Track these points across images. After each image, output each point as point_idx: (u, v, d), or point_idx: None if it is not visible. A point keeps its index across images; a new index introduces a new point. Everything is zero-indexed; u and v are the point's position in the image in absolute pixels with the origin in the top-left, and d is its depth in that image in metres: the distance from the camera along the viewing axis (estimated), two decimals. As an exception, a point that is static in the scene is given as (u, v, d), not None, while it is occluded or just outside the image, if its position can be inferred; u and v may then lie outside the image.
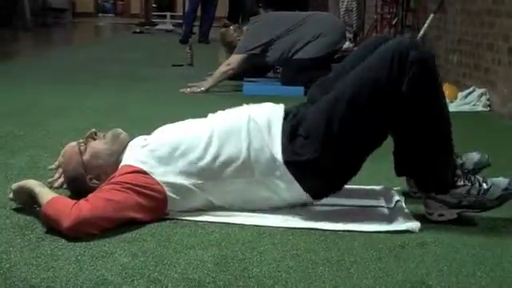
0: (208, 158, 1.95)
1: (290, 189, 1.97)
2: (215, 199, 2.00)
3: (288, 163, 1.94)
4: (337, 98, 1.93)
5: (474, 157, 2.29)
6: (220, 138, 1.97)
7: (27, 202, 1.96)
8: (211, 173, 1.95)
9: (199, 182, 1.95)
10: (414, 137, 1.95)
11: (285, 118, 2.02)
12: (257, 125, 1.99)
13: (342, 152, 1.94)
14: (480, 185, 1.98)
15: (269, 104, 2.12)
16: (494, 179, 2.00)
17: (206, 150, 1.96)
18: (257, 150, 1.95)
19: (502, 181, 1.99)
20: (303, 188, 1.96)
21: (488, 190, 1.97)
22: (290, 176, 1.94)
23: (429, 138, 1.94)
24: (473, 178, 2.00)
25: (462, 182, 1.98)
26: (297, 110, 2.07)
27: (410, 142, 1.96)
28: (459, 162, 2.20)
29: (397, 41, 1.97)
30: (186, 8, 9.52)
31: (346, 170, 1.99)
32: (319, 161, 1.92)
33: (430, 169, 1.98)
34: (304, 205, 2.08)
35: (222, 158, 1.95)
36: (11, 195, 2.00)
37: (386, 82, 1.88)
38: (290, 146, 1.95)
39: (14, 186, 1.99)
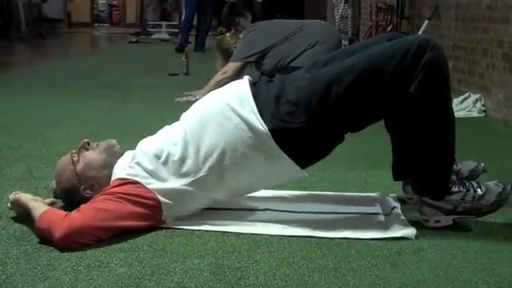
0: (190, 155, 1.94)
1: (279, 161, 1.93)
2: (212, 193, 1.99)
3: (274, 131, 1.91)
4: (341, 73, 1.90)
5: (471, 165, 2.29)
6: (195, 133, 1.96)
7: (22, 215, 1.97)
8: (197, 168, 1.94)
9: (189, 180, 1.94)
10: (417, 140, 1.94)
11: (254, 88, 1.99)
12: (227, 105, 1.96)
13: (329, 124, 1.92)
14: (475, 191, 1.98)
15: (232, 83, 2.11)
16: (489, 184, 2.01)
17: (184, 149, 1.95)
18: (234, 131, 1.93)
19: (496, 186, 1.99)
20: (291, 157, 1.93)
21: (483, 195, 1.97)
22: (276, 147, 1.91)
23: (432, 141, 1.94)
24: (467, 184, 2.00)
25: (456, 188, 1.99)
26: (268, 78, 2.05)
27: (412, 144, 1.96)
28: (455, 168, 2.20)
29: (416, 37, 1.96)
30: (182, 17, 9.54)
31: (328, 141, 1.97)
32: (306, 129, 1.90)
33: (428, 173, 1.98)
34: (299, 212, 2.09)
35: (203, 151, 1.94)
36: (9, 205, 2.01)
37: (392, 73, 1.86)
38: (275, 112, 1.92)
39: (11, 197, 1.99)
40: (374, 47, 1.96)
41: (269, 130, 1.91)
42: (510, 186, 1.99)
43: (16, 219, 2.00)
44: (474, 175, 2.25)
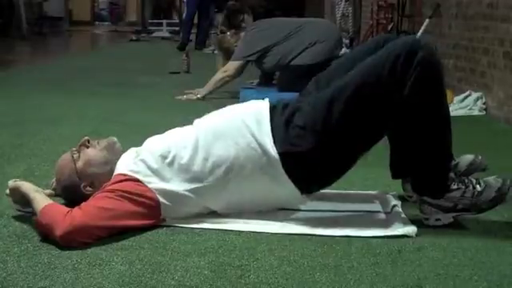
0: (197, 162, 1.95)
1: (283, 186, 1.95)
2: (210, 203, 2.00)
3: (283, 155, 1.92)
4: (339, 91, 1.91)
5: (468, 158, 2.29)
6: (207, 142, 1.97)
7: (20, 202, 1.97)
8: (202, 176, 1.95)
9: (191, 187, 1.95)
10: (413, 139, 1.95)
11: (272, 112, 2.01)
12: (244, 123, 1.98)
13: (337, 145, 1.93)
14: (474, 187, 1.98)
15: (253, 101, 2.12)
16: (487, 179, 2.01)
17: (193, 155, 1.96)
18: (246, 149, 1.94)
19: (495, 181, 1.99)
20: (295, 183, 1.95)
21: (482, 191, 1.97)
22: (282, 172, 1.93)
23: (428, 141, 1.94)
24: (466, 181, 2.00)
25: (455, 186, 1.99)
26: (286, 102, 2.06)
27: (408, 143, 1.96)
28: (453, 162, 2.20)
29: (407, 39, 1.97)
30: (184, 15, 9.54)
31: (339, 165, 1.98)
32: (315, 152, 1.91)
33: (426, 172, 1.99)
34: (300, 210, 2.09)
35: (211, 161, 1.95)
36: (8, 191, 2.00)
37: (387, 80, 1.87)
38: (285, 136, 1.94)
39: (11, 183, 1.99)
40: (367, 59, 1.95)
41: (279, 154, 1.92)
42: (509, 181, 1.99)
43: (17, 217, 2.00)
44: (472, 168, 2.25)
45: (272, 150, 1.93)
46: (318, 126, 1.91)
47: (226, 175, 1.95)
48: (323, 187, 2.04)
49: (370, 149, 1.98)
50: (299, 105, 2.01)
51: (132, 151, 2.08)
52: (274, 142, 1.94)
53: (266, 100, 2.10)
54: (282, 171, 1.94)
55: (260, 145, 1.94)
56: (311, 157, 1.92)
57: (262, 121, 1.98)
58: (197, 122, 2.11)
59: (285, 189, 1.97)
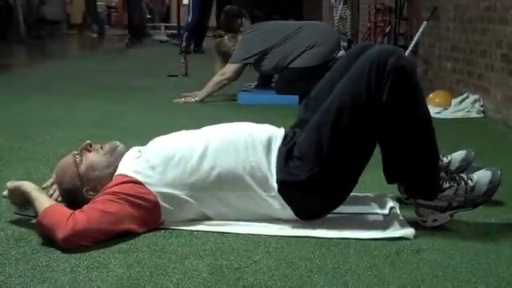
0: (203, 169, 1.95)
1: (283, 210, 1.98)
2: (209, 211, 2.00)
3: (282, 183, 1.95)
4: (324, 115, 1.94)
5: (461, 154, 2.29)
6: (216, 151, 1.97)
7: (19, 202, 1.97)
8: (205, 184, 1.95)
9: (193, 192, 1.96)
10: (398, 144, 1.96)
11: (283, 141, 2.03)
12: (256, 142, 1.99)
13: (334, 169, 1.94)
14: (466, 183, 1.99)
15: (269, 126, 2.12)
16: (478, 173, 2.02)
17: (200, 161, 1.96)
18: (253, 167, 1.96)
19: (485, 174, 2.00)
20: (294, 212, 1.98)
21: (474, 186, 1.99)
22: (281, 200, 1.96)
23: (412, 145, 1.95)
24: (457, 178, 2.01)
25: (447, 184, 1.99)
26: (293, 132, 2.09)
27: (394, 149, 1.97)
28: (445, 160, 2.21)
29: (374, 50, 1.98)
30: (189, 19, 9.41)
31: (339, 190, 2.00)
32: (314, 180, 1.93)
33: (416, 175, 1.99)
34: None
35: (217, 171, 1.95)
36: (5, 193, 2.00)
37: (365, 95, 1.89)
38: (285, 167, 1.96)
39: (10, 184, 1.99)
40: (344, 78, 1.97)
41: (278, 183, 1.95)
42: (498, 172, 2.00)
43: (14, 221, 2.00)
44: (465, 164, 2.25)
45: (274, 177, 1.95)
46: (312, 154, 1.94)
47: (228, 188, 1.96)
48: (322, 215, 2.05)
49: (367, 163, 1.99)
50: (297, 137, 2.03)
51: (135, 150, 2.08)
52: (276, 170, 1.96)
53: (282, 129, 2.11)
54: (281, 199, 1.96)
55: (265, 169, 1.96)
56: (310, 185, 1.94)
57: (272, 147, 2.00)
58: (208, 129, 2.11)
59: (284, 214, 1.99)
